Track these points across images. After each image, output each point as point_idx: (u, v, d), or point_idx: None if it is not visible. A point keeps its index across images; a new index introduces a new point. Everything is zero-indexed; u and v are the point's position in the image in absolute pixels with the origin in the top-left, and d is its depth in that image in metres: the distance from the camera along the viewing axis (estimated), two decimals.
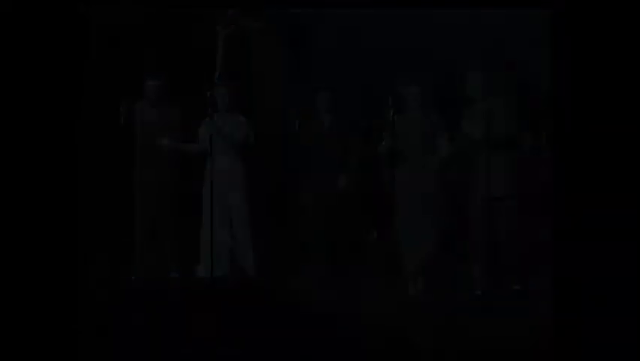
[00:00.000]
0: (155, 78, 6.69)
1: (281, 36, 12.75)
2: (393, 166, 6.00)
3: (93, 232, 5.70)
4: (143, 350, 3.45)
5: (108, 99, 13.87)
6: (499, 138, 5.40)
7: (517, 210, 5.44)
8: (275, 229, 6.86)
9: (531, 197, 5.85)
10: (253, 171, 6.55)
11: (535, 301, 4.84)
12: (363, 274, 6.38)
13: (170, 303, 4.21)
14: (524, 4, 16.56)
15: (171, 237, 6.33)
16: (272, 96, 7.32)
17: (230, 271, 6.21)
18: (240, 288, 5.46)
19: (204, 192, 6.20)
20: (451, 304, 5.18)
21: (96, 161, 7.32)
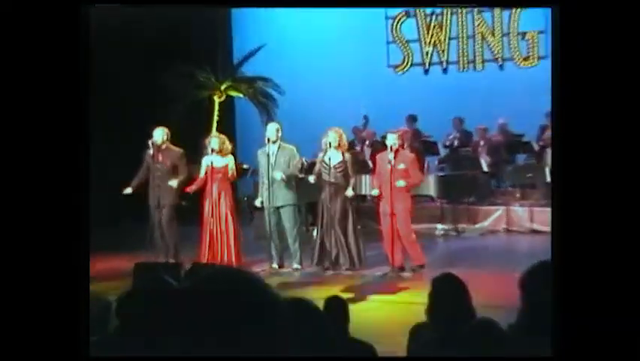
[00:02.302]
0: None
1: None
2: None
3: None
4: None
5: (110, 104, 13.92)
6: None
7: None
8: None
9: None
10: None
11: None
12: None
13: None
14: (525, 2, 16.72)
15: None
16: None
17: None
18: None
19: None
20: None
21: (96, 161, 7.39)
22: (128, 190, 10.63)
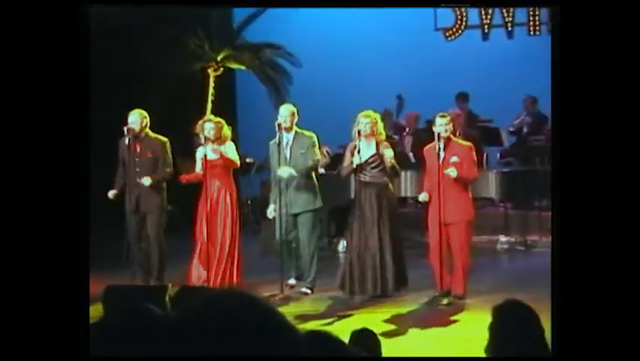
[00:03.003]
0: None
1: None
2: None
3: None
4: None
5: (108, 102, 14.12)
6: None
7: None
8: None
9: None
10: None
11: None
12: None
13: None
14: (526, 2, 17.20)
15: None
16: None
17: None
18: None
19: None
20: None
21: (97, 161, 8.39)
22: (113, 192, 10.65)
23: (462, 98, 15.63)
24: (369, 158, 10.16)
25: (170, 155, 10.73)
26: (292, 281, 10.68)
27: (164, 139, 10.74)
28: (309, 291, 10.56)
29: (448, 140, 9.91)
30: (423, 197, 10.15)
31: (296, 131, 10.51)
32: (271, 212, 10.68)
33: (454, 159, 9.84)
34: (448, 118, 10.04)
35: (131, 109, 10.75)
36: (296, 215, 10.53)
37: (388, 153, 10.09)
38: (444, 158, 9.83)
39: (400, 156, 13.06)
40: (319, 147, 10.77)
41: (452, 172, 9.70)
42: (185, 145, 10.89)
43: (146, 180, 10.48)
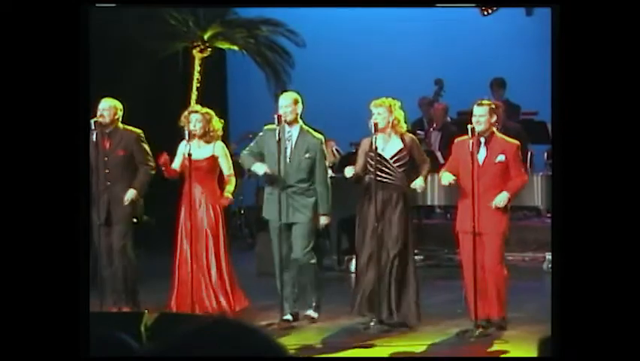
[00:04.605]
0: None
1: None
2: None
3: None
4: None
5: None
6: None
7: None
8: None
9: None
10: None
11: None
12: None
13: None
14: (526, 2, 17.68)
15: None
16: None
17: None
18: None
19: None
20: None
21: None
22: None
23: (498, 85, 15.58)
24: (396, 154, 10.08)
25: (146, 147, 10.64)
26: (289, 317, 10.51)
27: (137, 130, 10.67)
28: (315, 315, 10.52)
29: (490, 135, 9.76)
30: (446, 178, 9.94)
31: (301, 127, 10.39)
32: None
33: (500, 158, 9.67)
34: (488, 107, 9.81)
35: (101, 97, 10.68)
36: (291, 224, 10.40)
37: (419, 183, 10.08)
38: (485, 158, 9.72)
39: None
40: (326, 149, 10.68)
41: (501, 201, 9.63)
42: (166, 143, 10.84)
43: (130, 193, 10.46)
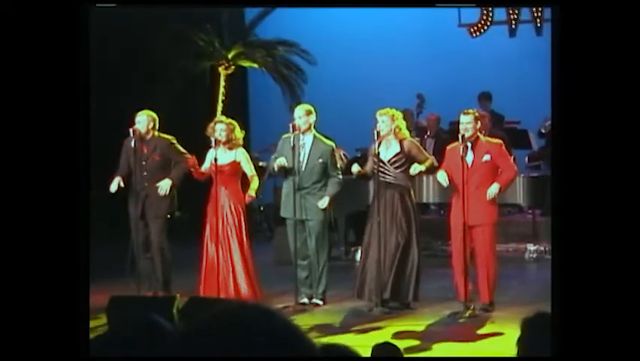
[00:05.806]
0: None
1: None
2: None
3: None
4: None
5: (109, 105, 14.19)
6: None
7: None
8: None
9: None
10: None
11: None
12: None
13: None
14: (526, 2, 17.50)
15: None
16: None
17: None
18: None
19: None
20: None
21: (98, 162, 8.67)
22: (115, 185, 10.67)
23: (485, 98, 15.55)
24: (393, 157, 10.11)
25: (181, 148, 10.69)
26: (305, 300, 10.60)
27: (170, 137, 10.72)
28: (320, 303, 10.55)
29: (476, 139, 9.84)
30: (442, 177, 9.95)
31: (314, 135, 10.43)
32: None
33: (486, 157, 9.77)
34: (473, 116, 9.90)
35: (138, 110, 10.76)
36: (305, 220, 10.47)
37: (415, 168, 10.05)
38: (473, 160, 9.79)
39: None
40: (336, 155, 10.70)
41: (493, 192, 9.69)
42: (195, 148, 10.86)
43: (165, 183, 10.51)
